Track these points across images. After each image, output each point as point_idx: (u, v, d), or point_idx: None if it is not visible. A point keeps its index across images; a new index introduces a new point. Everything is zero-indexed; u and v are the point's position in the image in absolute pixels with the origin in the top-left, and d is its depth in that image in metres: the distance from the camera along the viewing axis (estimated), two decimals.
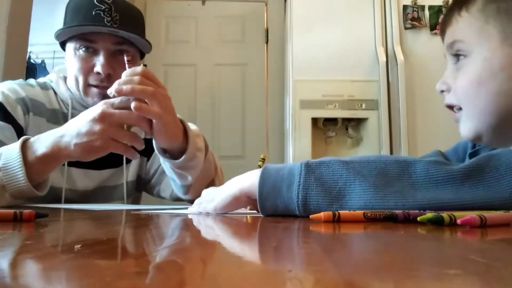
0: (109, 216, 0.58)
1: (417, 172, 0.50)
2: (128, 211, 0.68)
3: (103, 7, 0.92)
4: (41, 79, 1.04)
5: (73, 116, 0.97)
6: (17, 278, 0.18)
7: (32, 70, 2.64)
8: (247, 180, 0.58)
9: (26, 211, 0.43)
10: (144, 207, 0.82)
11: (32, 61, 2.71)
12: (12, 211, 0.42)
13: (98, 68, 0.92)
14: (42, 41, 2.32)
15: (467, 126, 0.62)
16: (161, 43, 2.93)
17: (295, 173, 0.53)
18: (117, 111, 0.74)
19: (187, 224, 0.49)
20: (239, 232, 0.42)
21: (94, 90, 0.94)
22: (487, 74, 0.59)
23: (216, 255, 0.26)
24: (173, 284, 0.17)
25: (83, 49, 0.93)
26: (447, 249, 0.28)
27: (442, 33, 0.67)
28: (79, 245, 0.27)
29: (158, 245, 0.31)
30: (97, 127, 0.73)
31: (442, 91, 0.66)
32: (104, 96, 0.84)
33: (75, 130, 0.74)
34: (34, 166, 0.74)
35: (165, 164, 0.90)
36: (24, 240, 0.33)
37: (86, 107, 0.94)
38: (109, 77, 0.93)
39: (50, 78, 1.03)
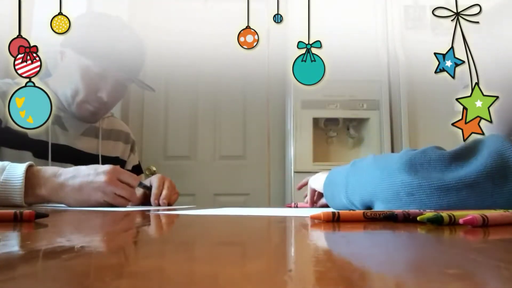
0: (109, 216, 0.58)
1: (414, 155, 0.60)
2: (128, 211, 0.68)
3: None
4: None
5: None
6: (17, 278, 0.18)
7: None
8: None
9: (26, 211, 0.43)
10: (145, 208, 0.82)
11: None
12: (12, 211, 0.42)
13: (103, 94, 1.00)
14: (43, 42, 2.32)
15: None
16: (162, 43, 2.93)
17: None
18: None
19: (188, 224, 0.49)
20: (240, 232, 0.42)
21: (90, 107, 1.01)
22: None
23: (217, 255, 0.26)
24: (173, 284, 0.17)
25: (95, 71, 0.99)
26: (447, 249, 0.28)
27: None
28: (79, 245, 0.27)
29: (159, 245, 0.31)
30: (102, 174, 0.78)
31: None
32: (92, 113, 1.02)
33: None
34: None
35: None
36: (24, 240, 0.33)
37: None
38: (106, 103, 1.02)
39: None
